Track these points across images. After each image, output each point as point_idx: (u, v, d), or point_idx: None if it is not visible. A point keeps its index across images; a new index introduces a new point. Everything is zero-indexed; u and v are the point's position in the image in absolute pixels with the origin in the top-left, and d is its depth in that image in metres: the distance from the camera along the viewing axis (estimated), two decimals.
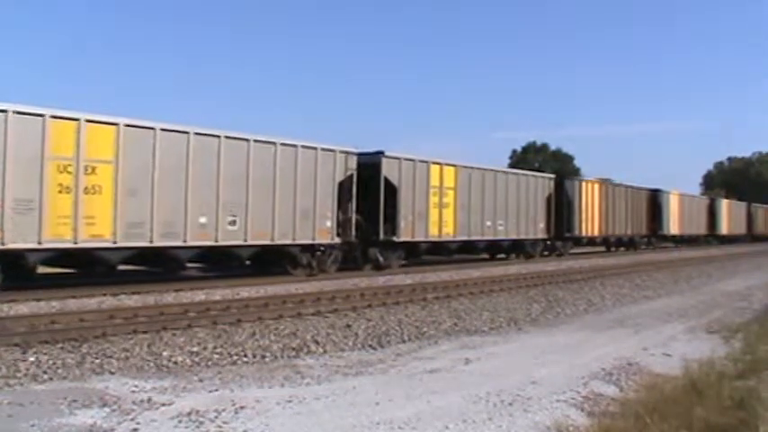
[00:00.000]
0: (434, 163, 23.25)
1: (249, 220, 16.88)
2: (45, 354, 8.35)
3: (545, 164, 64.93)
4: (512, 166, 58.92)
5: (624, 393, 7.28)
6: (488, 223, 25.76)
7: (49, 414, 5.94)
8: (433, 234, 22.99)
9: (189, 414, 6.00)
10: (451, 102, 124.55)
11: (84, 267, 15.07)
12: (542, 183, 29.94)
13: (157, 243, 15.12)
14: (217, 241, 16.26)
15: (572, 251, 32.68)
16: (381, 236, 20.74)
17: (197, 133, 15.90)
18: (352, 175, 19.72)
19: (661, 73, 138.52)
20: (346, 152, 19.64)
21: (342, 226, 19.46)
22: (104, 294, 13.76)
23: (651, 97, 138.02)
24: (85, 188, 13.84)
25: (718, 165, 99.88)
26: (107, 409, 6.12)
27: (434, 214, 23.03)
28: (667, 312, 14.13)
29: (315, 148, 18.73)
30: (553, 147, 73.38)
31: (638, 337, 11.04)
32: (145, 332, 9.94)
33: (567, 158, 71.85)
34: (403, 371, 8.17)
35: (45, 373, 7.57)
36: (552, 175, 31.86)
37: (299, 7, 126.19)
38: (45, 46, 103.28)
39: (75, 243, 13.78)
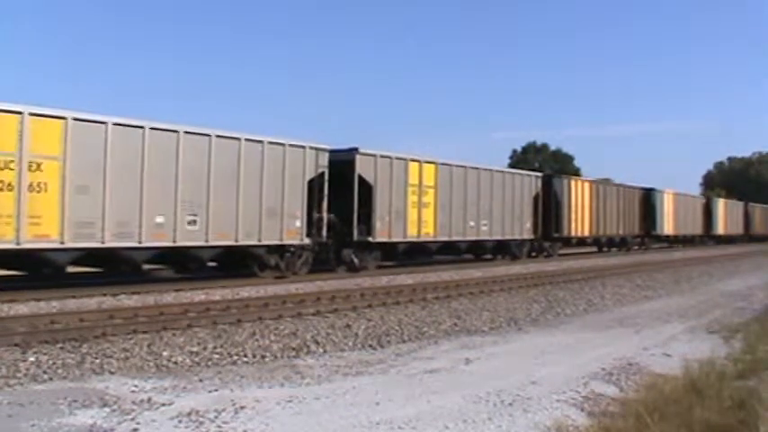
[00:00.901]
0: (413, 160, 22.35)
1: (211, 219, 16.01)
2: (45, 354, 8.35)
3: (545, 164, 64.98)
4: (511, 166, 58.93)
5: (624, 393, 7.28)
6: (471, 223, 24.82)
7: (49, 414, 5.94)
8: (412, 234, 22.11)
9: (189, 414, 6.00)
10: (451, 102, 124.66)
11: (30, 269, 14.41)
12: (529, 181, 28.91)
13: (109, 244, 14.24)
14: (175, 242, 15.38)
15: (561, 252, 31.60)
16: (355, 236, 19.96)
17: (153, 128, 15.04)
18: (323, 173, 18.83)
19: (661, 73, 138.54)
20: (317, 149, 18.70)
21: (312, 226, 18.65)
22: (104, 294, 13.75)
23: (651, 97, 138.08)
24: (30, 185, 13.06)
25: (718, 165, 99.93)
26: (107, 409, 6.12)
27: (413, 214, 22.14)
28: (667, 312, 14.13)
29: (282, 145, 17.85)
30: (553, 147, 73.48)
31: (639, 337, 11.05)
32: (145, 332, 9.94)
33: (567, 158, 71.87)
34: (403, 371, 8.17)
35: (45, 373, 7.57)
36: (539, 174, 30.89)
37: (299, 7, 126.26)
38: (45, 46, 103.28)
39: (19, 244, 12.99)
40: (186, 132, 15.69)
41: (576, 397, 7.02)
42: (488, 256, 26.95)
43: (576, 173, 60.70)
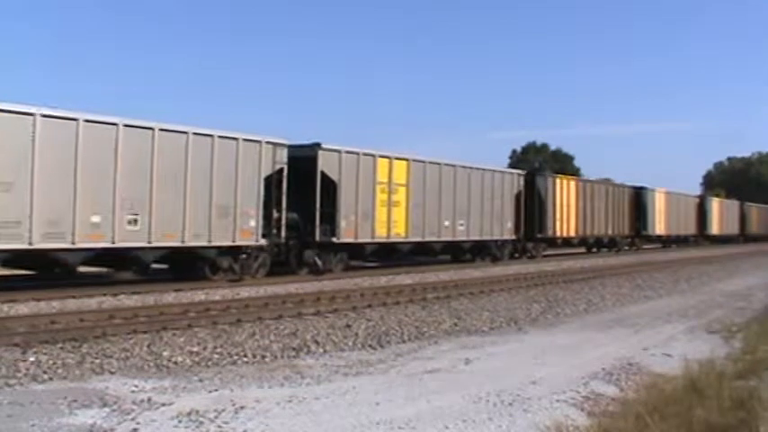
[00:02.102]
0: (382, 156, 21.18)
1: (154, 218, 14.96)
2: (45, 354, 8.35)
3: (545, 164, 64.99)
4: (511, 166, 58.89)
5: (624, 393, 7.28)
6: (446, 223, 23.62)
7: (49, 414, 5.94)
8: (381, 235, 20.88)
9: (189, 414, 6.00)
10: (451, 102, 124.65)
11: None
12: (510, 179, 27.66)
13: (38, 245, 13.25)
14: (113, 243, 14.35)
15: (546, 254, 30.28)
16: (318, 237, 18.89)
17: (88, 120, 13.99)
18: (281, 170, 17.77)
19: (661, 73, 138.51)
20: (274, 143, 17.64)
21: (270, 226, 17.68)
22: (104, 294, 13.76)
23: (651, 97, 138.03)
24: None
25: (719, 165, 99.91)
26: (107, 409, 6.12)
27: (382, 213, 20.92)
28: (667, 312, 14.13)
29: (235, 139, 16.83)
30: (553, 147, 73.54)
31: (639, 337, 11.05)
32: (145, 332, 9.94)
33: (567, 158, 71.94)
34: (403, 371, 8.17)
35: (45, 373, 7.56)
36: (521, 171, 29.76)
37: (299, 6, 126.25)
38: (45, 46, 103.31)
39: None
40: (126, 125, 14.65)
41: (576, 397, 7.02)
42: (468, 257, 25.65)
43: (575, 173, 60.72)
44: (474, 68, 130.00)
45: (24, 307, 12.01)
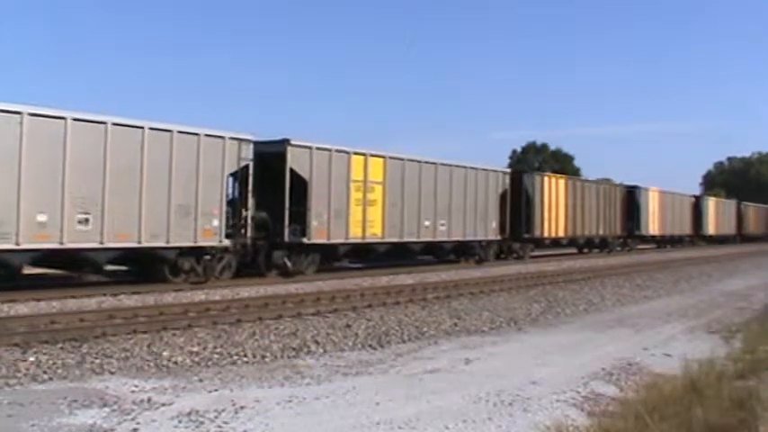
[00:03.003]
0: (357, 153, 20.23)
1: (107, 218, 14.16)
2: (45, 354, 8.36)
3: (545, 164, 64.98)
4: (511, 166, 58.87)
5: (624, 393, 7.29)
6: (426, 223, 22.67)
7: (49, 414, 5.95)
8: (356, 235, 20.00)
9: (189, 414, 6.01)
10: (451, 101, 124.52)
11: None
12: (495, 177, 26.49)
13: None
14: (62, 243, 13.58)
15: (534, 254, 29.42)
16: (287, 237, 18.04)
17: (33, 114, 13.25)
18: (247, 166, 16.95)
19: (661, 73, 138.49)
20: (239, 139, 16.77)
21: (235, 226, 16.94)
22: (104, 294, 13.76)
23: (651, 97, 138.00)
24: None
25: (719, 165, 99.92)
26: (107, 409, 6.12)
27: (357, 212, 20.00)
28: (667, 312, 14.14)
29: (196, 134, 15.91)
30: (553, 147, 73.48)
31: (639, 337, 11.06)
32: (145, 332, 9.94)
33: (567, 158, 71.89)
34: (403, 371, 8.18)
35: (45, 373, 7.57)
36: (507, 169, 28.41)
37: (299, 6, 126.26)
38: (45, 46, 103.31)
39: None
40: (75, 120, 13.85)
41: (576, 397, 7.03)
42: (451, 258, 24.76)
43: (575, 173, 60.73)
44: (474, 68, 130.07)
45: (24, 307, 12.02)
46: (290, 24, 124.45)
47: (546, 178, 30.54)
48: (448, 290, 16.09)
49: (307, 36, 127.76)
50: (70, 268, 15.29)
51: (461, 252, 24.97)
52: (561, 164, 66.20)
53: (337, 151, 19.59)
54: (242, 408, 6.25)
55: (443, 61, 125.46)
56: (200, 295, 14.37)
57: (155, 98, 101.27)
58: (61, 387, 7.01)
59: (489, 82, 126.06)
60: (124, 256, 15.14)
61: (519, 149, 74.38)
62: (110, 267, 15.76)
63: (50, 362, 7.99)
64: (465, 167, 24.93)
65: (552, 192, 30.09)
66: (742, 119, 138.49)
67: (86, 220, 13.98)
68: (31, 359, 8.08)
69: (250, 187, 17.10)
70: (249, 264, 17.71)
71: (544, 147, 73.47)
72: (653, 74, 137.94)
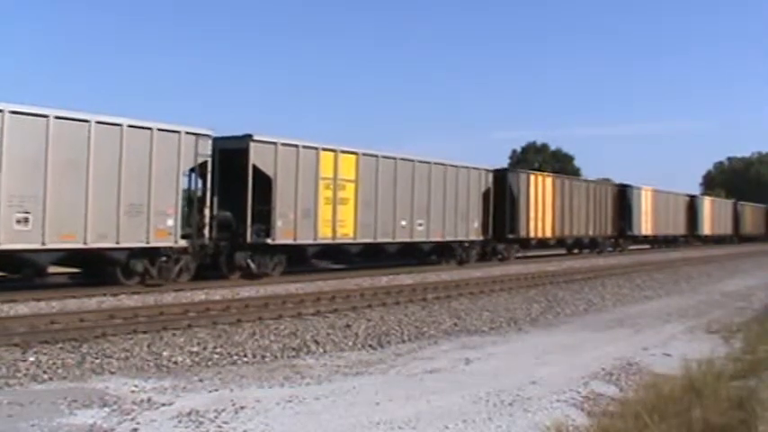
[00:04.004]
0: (326, 149, 19.16)
1: (48, 217, 13.32)
2: (45, 354, 8.36)
3: (545, 164, 65.01)
4: (511, 166, 58.90)
5: (624, 393, 7.29)
6: (403, 222, 21.57)
7: (49, 414, 5.95)
8: (325, 235, 18.99)
9: (189, 414, 6.01)
10: (451, 101, 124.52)
11: None
12: (477, 175, 25.27)
13: None
14: None
15: (520, 255, 28.30)
16: (249, 238, 17.14)
17: None
18: (206, 163, 16.09)
19: (661, 72, 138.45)
20: (196, 134, 15.80)
21: (195, 225, 16.13)
22: (104, 294, 13.76)
23: (651, 97, 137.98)
24: None
25: (718, 165, 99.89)
26: (107, 409, 6.12)
27: (326, 212, 18.97)
28: (667, 312, 14.15)
29: (148, 129, 14.98)
30: (553, 147, 73.54)
31: (639, 337, 11.06)
32: (145, 332, 9.95)
33: (567, 158, 71.94)
34: (403, 371, 8.18)
35: (45, 373, 7.58)
36: (489, 167, 26.75)
37: (298, 6, 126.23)
38: (45, 46, 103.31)
39: None
40: (13, 112, 12.99)
41: (576, 397, 7.03)
42: (434, 260, 23.86)
43: (575, 173, 60.75)
44: (474, 68, 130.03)
45: (24, 307, 12.02)
46: (290, 24, 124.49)
47: (532, 177, 29.46)
48: (448, 290, 16.09)
49: (307, 36, 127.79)
50: (9, 270, 14.32)
51: (441, 253, 24.02)
52: (561, 164, 66.24)
53: (305, 147, 18.56)
54: (242, 408, 6.25)
55: (443, 61, 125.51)
56: (200, 295, 14.38)
57: (155, 98, 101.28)
58: (61, 387, 7.01)
59: (490, 82, 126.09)
60: (69, 257, 14.30)
61: (519, 149, 74.49)
62: (61, 271, 15.31)
63: (50, 362, 7.99)
64: (444, 165, 23.83)
65: (539, 190, 29.01)
66: (742, 119, 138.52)
67: (26, 220, 13.16)
68: (31, 359, 8.08)
69: (209, 185, 16.34)
70: (210, 265, 16.87)
71: (544, 147, 73.52)
72: (653, 74, 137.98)
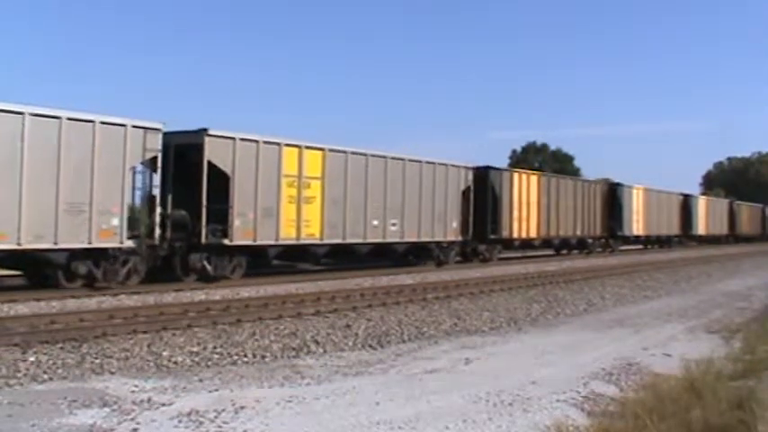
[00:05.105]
0: (289, 145, 18.23)
1: None
2: (45, 354, 8.36)
3: (545, 164, 65.01)
4: (511, 165, 58.87)
5: (624, 393, 7.29)
6: (375, 222, 20.60)
7: (49, 414, 5.95)
8: (288, 236, 18.08)
9: (189, 414, 6.01)
10: (451, 102, 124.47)
11: None
12: (456, 173, 24.26)
13: None
14: None
15: (503, 256, 27.52)
16: (205, 238, 16.20)
17: None
18: (155, 158, 15.21)
19: (661, 73, 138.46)
20: (144, 127, 14.90)
21: (143, 225, 15.36)
22: (104, 294, 13.76)
23: (651, 97, 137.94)
24: None
25: (718, 165, 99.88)
26: (107, 409, 6.13)
27: (290, 211, 18.09)
28: (667, 312, 14.15)
29: (91, 122, 14.04)
30: (553, 147, 73.51)
31: (638, 337, 11.06)
32: (145, 332, 9.95)
33: (567, 158, 71.91)
34: (403, 371, 8.18)
35: (45, 373, 7.58)
36: (469, 165, 25.44)
37: (298, 6, 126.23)
38: (45, 46, 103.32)
39: None
40: None
41: (576, 397, 7.03)
42: (409, 261, 22.81)
43: (575, 173, 60.71)
44: (474, 68, 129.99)
45: (24, 307, 12.02)
46: (290, 24, 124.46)
47: (516, 175, 28.49)
48: (448, 290, 16.09)
49: (307, 36, 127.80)
50: None
51: (418, 255, 23.09)
52: (561, 164, 66.21)
53: (266, 143, 17.63)
54: (242, 408, 6.25)
55: (443, 61, 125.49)
56: (200, 295, 14.38)
57: (156, 98, 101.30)
58: (61, 387, 7.01)
59: (490, 82, 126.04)
60: (4, 259, 13.65)
61: (519, 149, 74.48)
62: (4, 273, 14.97)
63: (50, 362, 8.00)
64: (420, 162, 22.76)
65: (523, 189, 27.99)
66: (742, 119, 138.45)
67: None
68: (31, 359, 8.08)
69: (160, 182, 15.59)
70: (164, 267, 16.06)
71: (544, 147, 73.48)
72: (653, 74, 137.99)
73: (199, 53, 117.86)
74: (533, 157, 70.84)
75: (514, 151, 74.42)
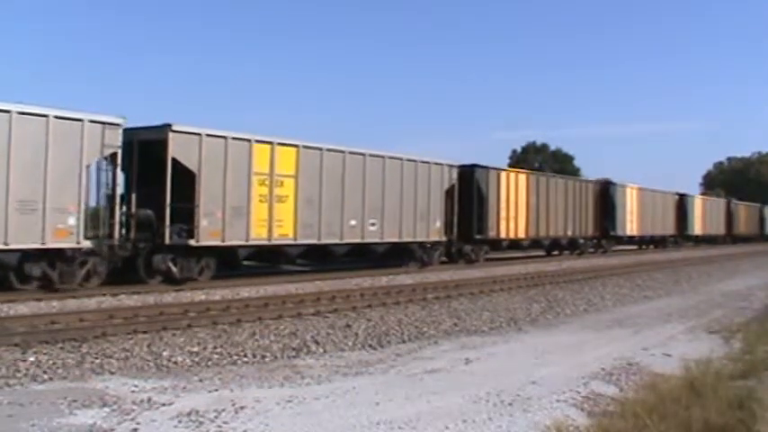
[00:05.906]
0: (260, 142, 17.45)
1: None
2: (45, 354, 8.36)
3: (545, 164, 65.01)
4: (512, 166, 58.87)
5: (624, 393, 7.29)
6: (353, 222, 19.88)
7: (49, 414, 5.95)
8: (260, 236, 17.39)
9: (189, 414, 6.01)
10: (451, 102, 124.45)
11: None
12: (439, 171, 23.37)
13: None
14: None
15: (490, 257, 26.71)
16: (169, 239, 15.47)
17: None
18: (115, 155, 14.63)
19: (661, 73, 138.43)
20: (102, 122, 14.26)
21: (102, 224, 14.71)
22: (104, 294, 13.76)
23: (651, 97, 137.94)
24: None
25: (718, 165, 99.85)
26: (107, 409, 6.13)
27: (261, 210, 17.38)
28: (667, 312, 14.15)
29: (44, 116, 13.39)
30: (553, 147, 73.50)
31: (638, 337, 11.06)
32: (145, 332, 9.95)
33: (567, 158, 71.91)
34: (403, 371, 8.18)
35: (45, 373, 7.58)
36: (454, 163, 24.39)
37: (299, 6, 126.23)
38: (46, 46, 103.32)
39: None
40: None
41: (576, 397, 7.03)
42: (392, 262, 22.05)
43: (575, 173, 60.69)
44: (475, 69, 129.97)
45: (24, 307, 12.03)
46: (290, 24, 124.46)
47: (503, 173, 27.66)
48: (448, 290, 16.09)
49: (307, 36, 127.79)
50: None
51: (400, 255, 22.28)
52: (561, 164, 66.20)
53: (234, 139, 16.87)
54: (242, 408, 6.26)
55: (444, 61, 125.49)
56: (200, 295, 14.39)
57: (156, 98, 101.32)
58: (61, 387, 7.01)
59: (490, 82, 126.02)
60: None
61: (519, 149, 74.48)
62: None
63: (50, 362, 8.00)
64: (401, 159, 21.87)
65: (511, 188, 27.27)
66: (742, 119, 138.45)
67: None
68: (31, 359, 8.08)
69: (120, 179, 15.11)
70: (128, 269, 15.44)
71: (544, 147, 73.47)
72: (653, 74, 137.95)
73: (199, 53, 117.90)
74: (533, 157, 70.83)
75: (514, 151, 74.44)
